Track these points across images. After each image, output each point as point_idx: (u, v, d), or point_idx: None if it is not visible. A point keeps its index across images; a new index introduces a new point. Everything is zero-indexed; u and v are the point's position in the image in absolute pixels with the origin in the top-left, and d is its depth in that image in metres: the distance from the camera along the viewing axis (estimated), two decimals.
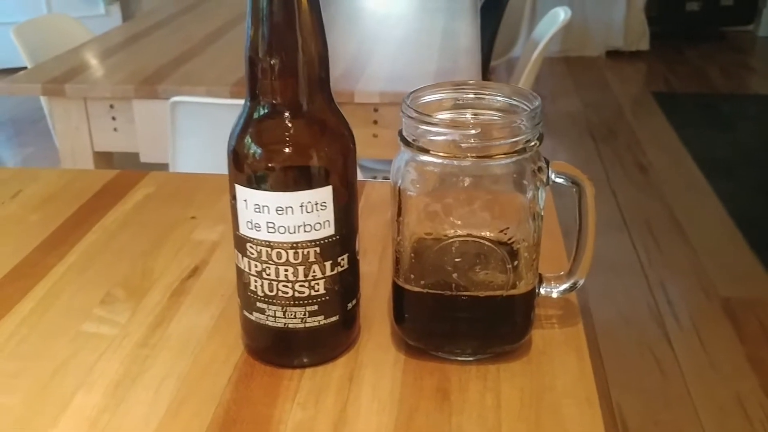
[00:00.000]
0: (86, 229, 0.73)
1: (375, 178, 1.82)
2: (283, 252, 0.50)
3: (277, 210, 0.49)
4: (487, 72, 2.57)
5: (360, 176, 1.55)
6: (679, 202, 2.54)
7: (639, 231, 2.37)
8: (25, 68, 1.92)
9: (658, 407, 1.65)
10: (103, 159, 1.80)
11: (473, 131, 0.49)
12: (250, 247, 0.50)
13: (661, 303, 2.01)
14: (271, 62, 0.48)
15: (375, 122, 1.63)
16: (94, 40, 2.15)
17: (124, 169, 0.86)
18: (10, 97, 3.60)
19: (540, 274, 0.55)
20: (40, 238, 0.72)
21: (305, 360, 0.53)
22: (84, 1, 4.12)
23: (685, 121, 3.23)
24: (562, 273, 0.56)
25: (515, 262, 0.51)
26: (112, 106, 1.72)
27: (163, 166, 1.61)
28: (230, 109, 1.48)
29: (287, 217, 0.49)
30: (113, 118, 1.74)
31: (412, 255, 0.53)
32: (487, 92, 0.54)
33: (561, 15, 2.16)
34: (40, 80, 1.74)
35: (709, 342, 1.85)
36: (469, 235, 0.51)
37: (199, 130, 1.53)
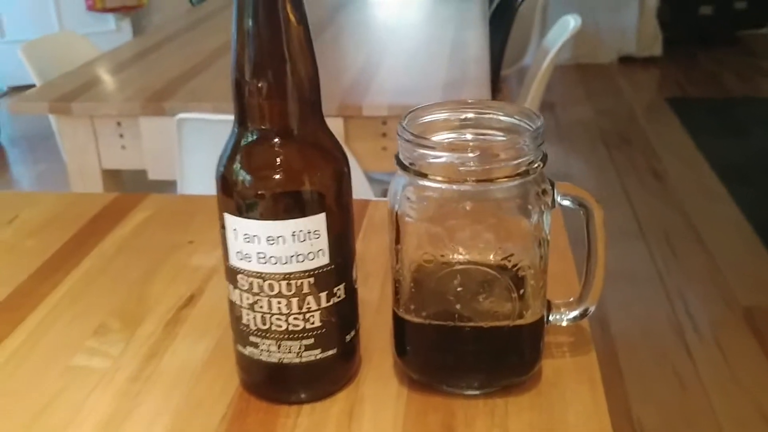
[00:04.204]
0: (82, 255, 0.71)
1: (387, 190, 1.80)
2: (275, 283, 0.47)
3: (267, 240, 0.46)
4: (497, 81, 2.54)
5: (369, 190, 1.53)
6: (696, 209, 2.50)
7: (656, 239, 2.33)
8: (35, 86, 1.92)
9: (679, 421, 1.61)
10: (112, 177, 1.78)
11: (472, 154, 0.46)
12: (241, 278, 0.48)
13: (680, 313, 1.97)
14: (259, 85, 0.46)
15: (384, 135, 1.61)
16: (101, 57, 2.14)
17: (124, 192, 0.85)
18: (23, 115, 3.62)
19: (549, 301, 0.52)
20: (34, 266, 0.70)
21: (302, 396, 0.51)
22: (95, 17, 4.14)
23: (700, 127, 3.19)
24: (571, 299, 0.53)
25: (521, 291, 0.49)
26: (119, 124, 1.71)
27: (172, 183, 1.59)
28: None
29: (279, 246, 0.46)
30: (120, 136, 1.73)
31: (412, 284, 0.50)
32: (489, 112, 0.51)
33: (571, 23, 2.14)
34: (47, 98, 1.73)
35: (731, 353, 1.81)
36: (471, 262, 0.49)
37: (206, 146, 1.51)
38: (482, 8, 2.46)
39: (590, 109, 3.46)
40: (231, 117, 1.53)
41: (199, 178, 1.53)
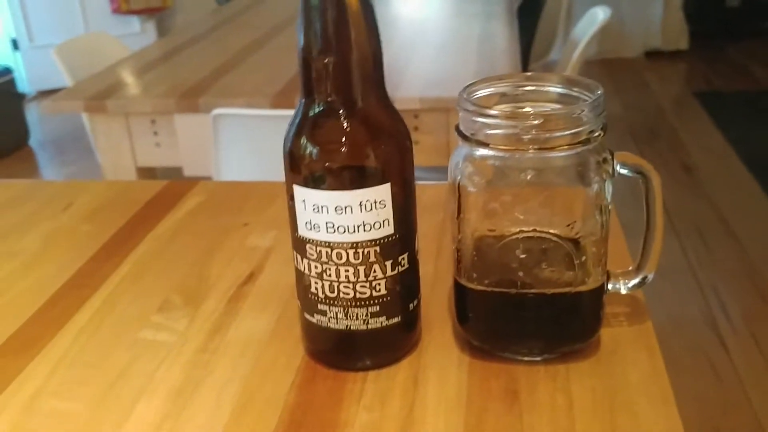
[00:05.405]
0: (139, 238, 0.73)
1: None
2: (343, 252, 0.49)
3: (336, 209, 0.48)
4: None
5: None
6: (727, 203, 2.49)
7: (687, 233, 2.32)
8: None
9: (716, 413, 1.60)
10: (147, 174, 1.81)
11: (534, 122, 0.47)
12: (310, 248, 0.49)
13: (713, 306, 1.96)
14: (325, 61, 0.47)
15: (416, 128, 1.63)
16: (132, 57, 2.17)
17: (173, 179, 0.86)
18: (52, 118, 3.68)
19: (607, 271, 0.53)
20: (93, 249, 0.72)
21: (368, 362, 0.52)
22: (120, 20, 4.20)
23: (729, 120, 3.17)
24: (630, 268, 0.54)
25: (583, 258, 0.50)
26: (153, 121, 1.74)
27: (207, 180, 1.61)
28: (272, 120, 1.48)
29: (346, 216, 0.48)
30: (155, 133, 1.76)
31: (474, 253, 0.51)
32: (545, 84, 0.52)
33: (600, 15, 2.14)
34: (81, 97, 1.76)
35: (766, 344, 1.80)
36: (533, 230, 0.50)
37: (242, 141, 1.53)
38: (508, 2, 2.46)
39: (618, 105, 3.45)
40: (266, 112, 1.54)
41: (236, 173, 1.55)
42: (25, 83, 4.13)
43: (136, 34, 4.14)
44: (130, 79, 1.95)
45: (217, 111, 1.50)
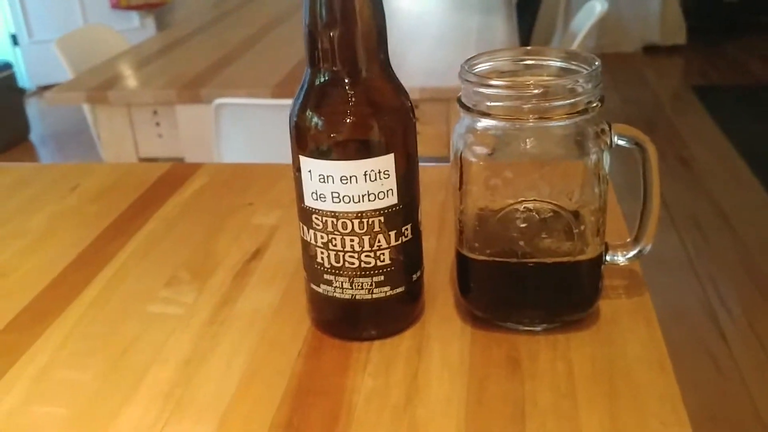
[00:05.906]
0: (145, 218, 0.74)
1: None
2: (348, 222, 0.50)
3: (341, 179, 0.49)
4: None
5: None
6: (725, 196, 2.50)
7: (685, 226, 2.33)
8: None
9: (716, 403, 1.61)
10: None
11: (534, 91, 0.48)
12: (316, 218, 0.50)
13: (712, 298, 1.97)
14: (329, 30, 0.48)
15: (416, 118, 1.63)
16: (132, 49, 2.18)
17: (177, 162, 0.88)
18: (52, 113, 3.69)
19: (606, 243, 0.54)
20: (100, 229, 0.73)
21: (373, 332, 0.53)
22: (119, 15, 4.21)
23: (727, 114, 3.18)
24: (628, 240, 0.55)
25: (581, 227, 0.51)
26: (155, 112, 1.75)
27: None
28: (274, 109, 1.49)
29: (352, 186, 0.49)
30: (157, 124, 1.77)
31: (476, 223, 0.52)
32: (545, 57, 0.54)
33: (597, 7, 2.15)
34: (83, 88, 1.77)
35: (765, 335, 1.81)
36: (534, 200, 0.51)
37: (243, 131, 1.54)
38: None
39: (616, 99, 3.45)
40: (268, 101, 1.54)
41: (237, 161, 1.56)
42: (25, 78, 4.14)
43: (136, 30, 4.15)
44: (132, 70, 1.96)
45: (219, 101, 1.51)
